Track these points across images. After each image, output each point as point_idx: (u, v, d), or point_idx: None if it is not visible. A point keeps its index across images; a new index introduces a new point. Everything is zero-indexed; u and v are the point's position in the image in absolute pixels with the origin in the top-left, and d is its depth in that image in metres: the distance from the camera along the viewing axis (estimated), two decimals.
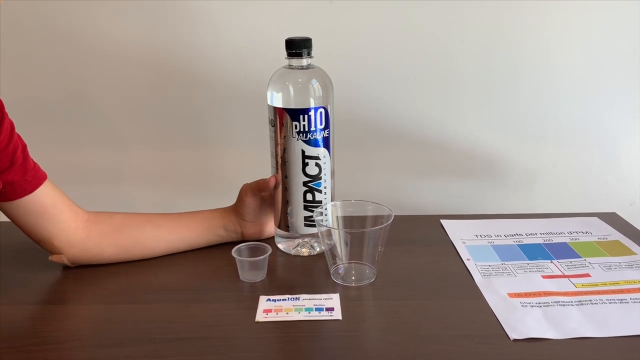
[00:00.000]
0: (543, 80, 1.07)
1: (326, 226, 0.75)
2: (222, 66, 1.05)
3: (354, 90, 1.04)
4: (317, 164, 0.77)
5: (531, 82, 1.07)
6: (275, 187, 0.80)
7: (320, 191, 0.79)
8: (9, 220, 0.73)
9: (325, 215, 0.78)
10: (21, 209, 0.70)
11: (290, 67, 0.77)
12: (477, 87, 1.07)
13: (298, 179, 0.78)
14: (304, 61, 0.76)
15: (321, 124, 0.76)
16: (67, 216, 0.74)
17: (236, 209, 0.82)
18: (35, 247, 0.76)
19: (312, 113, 0.75)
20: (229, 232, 0.82)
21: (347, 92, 1.00)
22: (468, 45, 1.04)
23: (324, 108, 0.76)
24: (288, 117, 0.75)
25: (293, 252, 0.82)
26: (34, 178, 0.70)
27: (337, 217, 0.78)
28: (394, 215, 0.72)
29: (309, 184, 0.78)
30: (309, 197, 0.79)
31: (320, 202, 0.79)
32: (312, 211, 0.78)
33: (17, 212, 0.71)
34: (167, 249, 0.80)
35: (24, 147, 0.71)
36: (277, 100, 0.76)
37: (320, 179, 0.78)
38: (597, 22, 1.03)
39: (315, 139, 0.76)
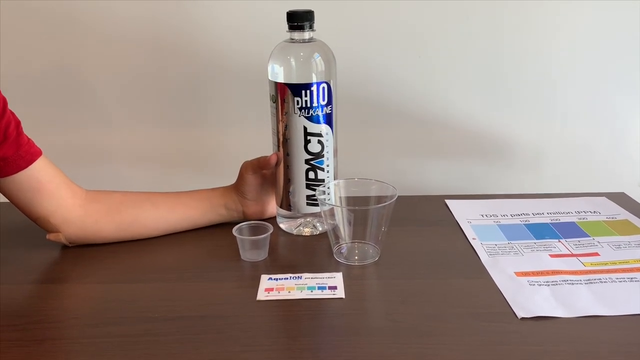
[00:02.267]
0: (551, 59, 1.04)
1: (329, 204, 0.74)
2: (221, 41, 1.02)
3: (357, 67, 1.02)
4: (319, 141, 0.76)
5: (539, 61, 1.04)
6: (277, 164, 0.78)
7: (322, 169, 0.77)
8: (7, 199, 0.71)
9: (328, 194, 0.76)
10: (16, 185, 0.69)
11: (292, 40, 0.75)
12: (483, 66, 1.05)
13: (300, 157, 0.76)
14: (306, 34, 0.74)
15: (324, 100, 0.74)
16: (64, 193, 0.72)
17: (237, 187, 0.80)
18: (33, 226, 0.74)
19: (314, 88, 0.73)
20: (230, 211, 0.81)
21: (350, 69, 0.98)
22: (475, 23, 1.02)
23: (326, 83, 0.74)
24: (289, 92, 0.73)
25: (295, 231, 0.80)
26: (27, 154, 0.69)
27: (340, 197, 0.76)
28: (398, 196, 0.70)
29: (311, 162, 0.76)
30: (311, 175, 0.77)
31: (323, 180, 0.77)
32: (315, 190, 0.77)
33: (12, 189, 0.69)
34: (167, 228, 0.79)
35: (18, 123, 0.69)
36: (278, 75, 0.74)
37: (323, 156, 0.76)
38: (607, 2, 1.00)
39: (317, 116, 0.74)
